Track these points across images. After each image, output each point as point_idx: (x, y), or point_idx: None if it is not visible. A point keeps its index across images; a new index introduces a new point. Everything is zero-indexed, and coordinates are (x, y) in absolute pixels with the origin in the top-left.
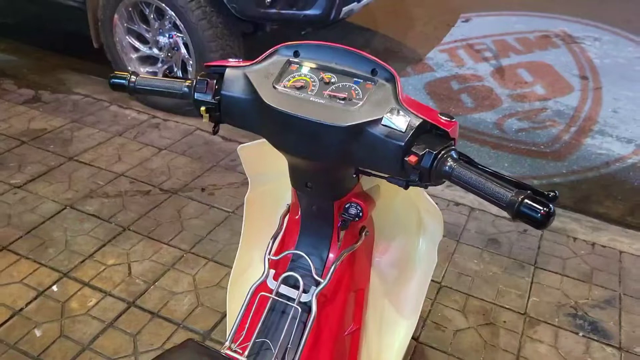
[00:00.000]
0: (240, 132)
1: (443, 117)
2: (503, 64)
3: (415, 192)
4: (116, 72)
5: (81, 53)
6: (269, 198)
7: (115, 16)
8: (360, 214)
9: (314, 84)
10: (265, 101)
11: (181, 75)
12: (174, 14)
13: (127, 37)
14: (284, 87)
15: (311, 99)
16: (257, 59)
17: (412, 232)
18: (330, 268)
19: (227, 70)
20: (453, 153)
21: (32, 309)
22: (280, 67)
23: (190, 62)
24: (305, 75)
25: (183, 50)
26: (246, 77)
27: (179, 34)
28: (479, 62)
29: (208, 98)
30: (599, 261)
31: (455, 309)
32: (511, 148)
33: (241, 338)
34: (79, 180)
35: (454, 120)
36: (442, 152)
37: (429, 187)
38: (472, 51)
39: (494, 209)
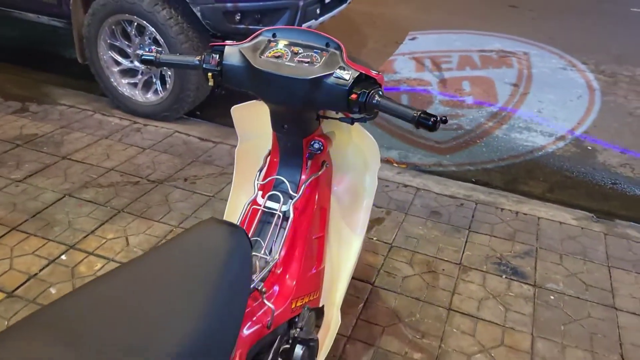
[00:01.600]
0: (214, 134)
1: (374, 72)
2: (446, 75)
3: (359, 136)
4: (144, 52)
5: (61, 70)
6: (255, 150)
7: (99, 33)
8: (322, 148)
9: (287, 54)
10: (255, 66)
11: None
12: (154, 30)
13: (109, 52)
14: (267, 57)
15: (286, 63)
16: (247, 40)
17: (360, 170)
18: (302, 187)
19: (227, 48)
20: (379, 92)
21: (45, 273)
22: (263, 44)
23: (169, 72)
24: (281, 49)
25: None
26: (240, 52)
27: (158, 48)
28: (426, 72)
29: (213, 67)
30: (521, 225)
31: (404, 262)
32: (419, 142)
33: None
34: (73, 175)
35: (380, 73)
36: (372, 91)
37: (381, 164)
38: (419, 63)
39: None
